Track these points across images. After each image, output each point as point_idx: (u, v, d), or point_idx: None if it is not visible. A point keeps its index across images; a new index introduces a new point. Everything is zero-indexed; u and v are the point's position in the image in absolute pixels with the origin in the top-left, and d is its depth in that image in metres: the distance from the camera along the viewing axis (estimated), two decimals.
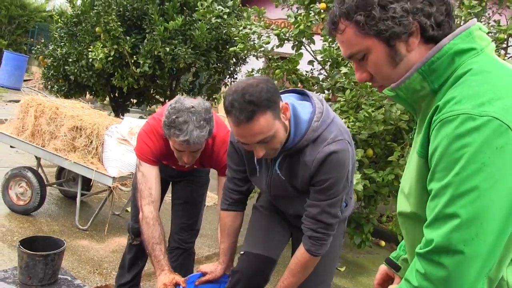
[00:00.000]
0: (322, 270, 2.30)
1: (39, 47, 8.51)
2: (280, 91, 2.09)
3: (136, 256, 3.27)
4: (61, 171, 5.38)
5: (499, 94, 1.07)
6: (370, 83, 1.38)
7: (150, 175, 2.65)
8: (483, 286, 1.08)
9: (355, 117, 4.33)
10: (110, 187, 4.26)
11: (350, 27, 1.26)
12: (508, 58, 5.02)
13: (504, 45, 4.92)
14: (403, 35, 1.21)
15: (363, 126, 4.21)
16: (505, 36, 4.64)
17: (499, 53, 4.79)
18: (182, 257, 3.04)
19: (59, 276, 3.45)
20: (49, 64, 8.15)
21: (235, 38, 5.59)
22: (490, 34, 4.88)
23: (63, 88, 8.30)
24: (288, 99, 2.04)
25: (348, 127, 4.21)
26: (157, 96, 8.77)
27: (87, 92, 8.80)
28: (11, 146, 4.90)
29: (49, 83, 8.48)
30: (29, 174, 4.58)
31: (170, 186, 3.28)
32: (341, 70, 4.74)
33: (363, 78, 1.33)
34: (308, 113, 2.02)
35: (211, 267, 2.48)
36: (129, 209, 5.17)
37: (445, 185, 1.08)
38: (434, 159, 1.12)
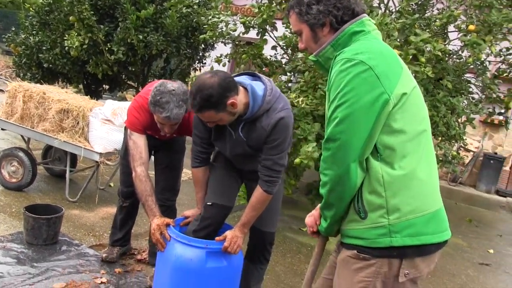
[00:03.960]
0: (273, 203, 2.98)
1: (10, 35, 8.74)
2: (236, 74, 2.81)
3: (126, 217, 3.84)
4: (46, 152, 5.86)
5: (369, 51, 1.77)
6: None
7: (140, 142, 3.24)
8: (356, 166, 1.73)
9: (313, 95, 4.94)
10: (97, 162, 4.78)
11: (294, 14, 2.02)
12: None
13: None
14: (317, 25, 1.94)
15: (320, 103, 4.82)
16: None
17: None
18: (166, 214, 3.50)
19: (59, 237, 3.99)
20: (21, 52, 8.42)
21: (204, 26, 6.09)
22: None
23: (36, 76, 8.58)
24: (245, 80, 2.70)
25: (307, 104, 4.83)
26: (130, 82, 9.20)
27: (60, 79, 9.15)
28: (1, 129, 5.33)
29: (20, 70, 8.75)
30: (21, 154, 5.04)
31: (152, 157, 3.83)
32: (298, 55, 5.34)
33: (301, 47, 2.08)
34: (262, 90, 2.66)
35: (192, 211, 3.13)
36: (112, 184, 5.73)
37: (333, 100, 1.77)
38: (329, 86, 1.82)
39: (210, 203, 2.95)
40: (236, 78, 2.68)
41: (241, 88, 2.61)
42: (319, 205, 2.01)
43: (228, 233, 2.79)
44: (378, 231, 1.77)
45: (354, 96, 1.70)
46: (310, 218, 2.16)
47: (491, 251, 6.18)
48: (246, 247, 3.26)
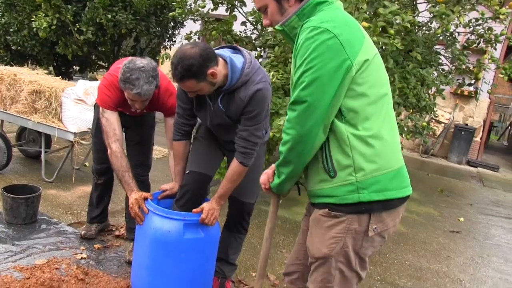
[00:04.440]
0: (253, 174, 3.01)
1: None
2: (217, 47, 2.86)
3: (102, 193, 3.89)
4: (20, 134, 5.81)
5: (333, 19, 1.86)
6: None
7: (112, 119, 3.26)
8: (319, 128, 1.83)
9: (284, 70, 4.99)
10: (71, 141, 4.78)
11: None
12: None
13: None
14: None
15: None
16: None
17: None
18: (139, 189, 3.62)
19: (38, 217, 4.02)
20: None
21: (173, 4, 6.06)
22: None
23: (5, 58, 8.44)
24: (225, 53, 2.75)
25: (278, 79, 4.88)
26: (100, 62, 9.10)
27: (29, 61, 9.01)
28: None
29: None
30: None
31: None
32: (268, 29, 5.37)
33: (266, 23, 2.13)
34: (241, 62, 2.72)
35: (170, 185, 3.18)
36: (87, 163, 5.73)
37: (299, 66, 1.84)
38: (296, 53, 1.89)
39: (188, 171, 3.03)
40: (217, 51, 2.74)
41: (221, 60, 2.68)
42: (275, 163, 2.12)
43: (205, 205, 2.86)
44: (347, 188, 1.88)
45: (320, 62, 1.79)
46: (264, 176, 2.27)
47: (462, 219, 6.38)
48: (225, 218, 3.32)
